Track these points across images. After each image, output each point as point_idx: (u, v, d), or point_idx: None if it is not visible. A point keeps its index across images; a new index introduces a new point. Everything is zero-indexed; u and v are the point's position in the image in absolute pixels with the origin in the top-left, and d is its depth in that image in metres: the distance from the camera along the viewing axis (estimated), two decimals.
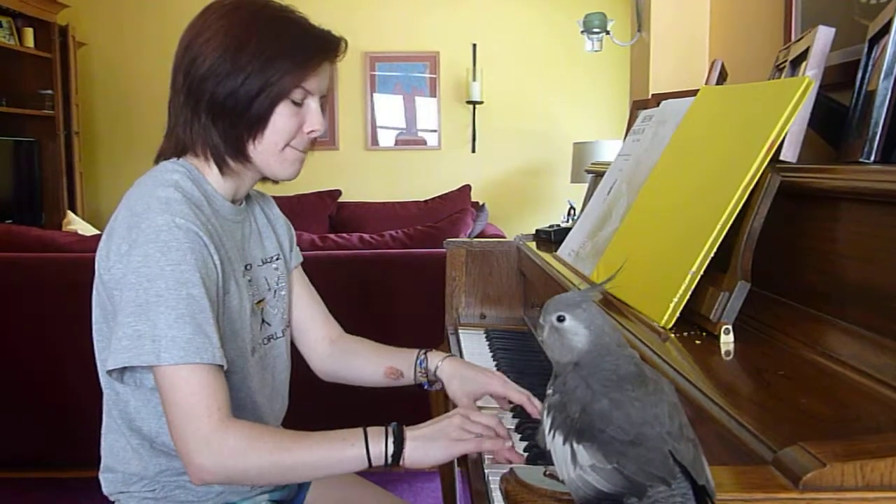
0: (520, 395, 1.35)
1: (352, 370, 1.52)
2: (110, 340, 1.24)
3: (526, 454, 1.20)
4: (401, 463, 1.12)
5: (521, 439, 1.30)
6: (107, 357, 1.25)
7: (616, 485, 0.57)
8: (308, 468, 1.15)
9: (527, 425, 1.34)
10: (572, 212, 5.10)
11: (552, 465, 0.66)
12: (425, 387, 1.48)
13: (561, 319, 0.67)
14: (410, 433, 1.14)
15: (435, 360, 1.46)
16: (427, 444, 1.13)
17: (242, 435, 1.11)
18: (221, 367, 1.15)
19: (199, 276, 1.15)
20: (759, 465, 0.67)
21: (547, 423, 0.64)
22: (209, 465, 1.10)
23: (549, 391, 0.66)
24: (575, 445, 0.60)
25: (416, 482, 2.96)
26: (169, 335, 1.11)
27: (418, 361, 1.47)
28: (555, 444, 0.62)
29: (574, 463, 0.59)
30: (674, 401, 0.63)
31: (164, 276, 1.12)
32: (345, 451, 1.12)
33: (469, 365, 1.47)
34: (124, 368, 1.18)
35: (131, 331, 1.12)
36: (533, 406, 1.34)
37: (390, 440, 1.12)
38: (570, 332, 0.67)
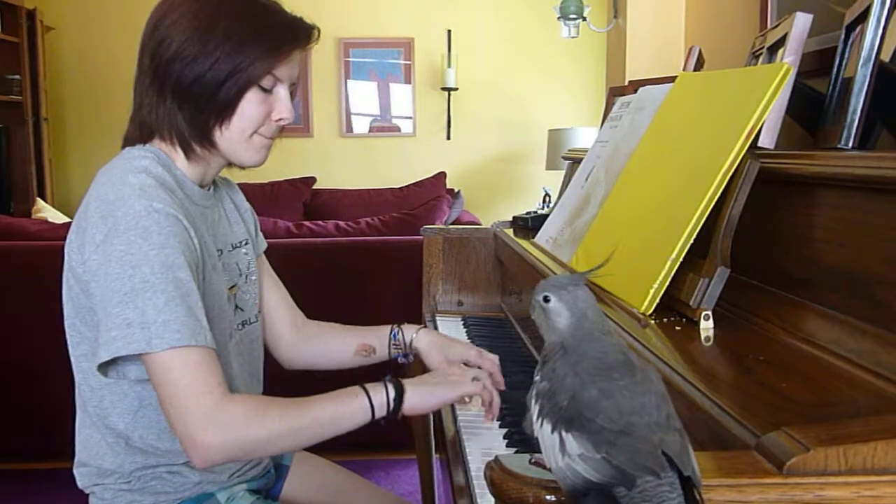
0: (491, 363, 1.40)
1: (321, 353, 1.52)
2: (84, 335, 1.23)
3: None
4: (402, 408, 1.16)
5: (501, 426, 1.30)
6: (83, 351, 1.24)
7: (605, 474, 0.57)
8: (317, 427, 1.14)
9: (505, 412, 1.34)
10: (548, 199, 5.10)
11: (538, 452, 0.66)
12: (399, 359, 1.49)
13: (546, 300, 0.68)
14: (410, 381, 1.18)
15: (409, 332, 1.48)
16: (428, 388, 1.18)
17: (248, 406, 1.12)
18: (214, 349, 1.13)
19: (183, 259, 1.13)
20: (742, 450, 0.68)
21: (535, 410, 0.63)
22: (217, 442, 1.08)
23: (537, 377, 0.66)
24: (563, 434, 0.60)
25: (393, 469, 2.96)
26: (160, 320, 1.08)
27: (392, 334, 1.48)
28: (543, 431, 0.62)
29: (562, 451, 0.59)
30: (661, 390, 0.63)
31: (149, 261, 1.10)
32: (350, 404, 1.15)
33: (445, 335, 1.51)
34: (112, 360, 1.16)
35: (120, 320, 1.09)
36: (499, 378, 1.38)
37: (390, 387, 1.16)
38: (554, 312, 0.67)
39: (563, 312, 0.66)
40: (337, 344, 1.51)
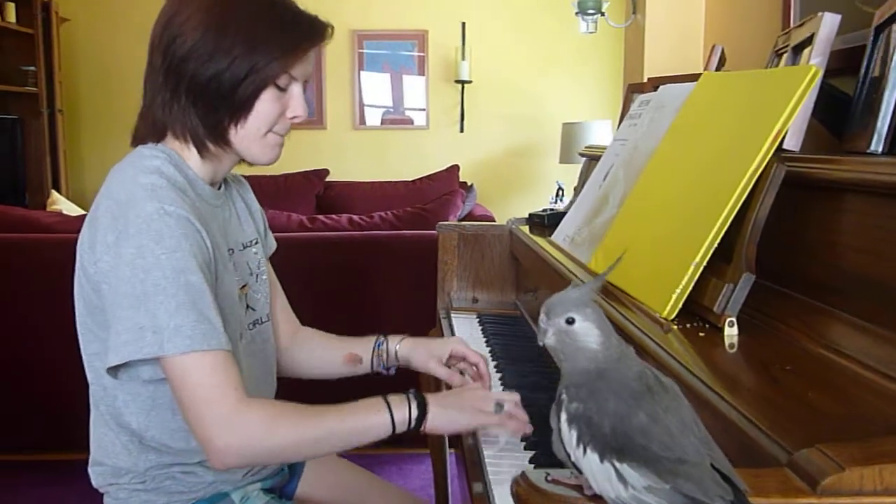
0: (475, 355, 1.40)
1: (310, 360, 1.51)
2: (96, 334, 1.22)
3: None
4: (422, 428, 1.14)
5: (526, 448, 1.27)
6: (95, 350, 1.23)
7: None
8: (335, 439, 1.15)
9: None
10: (561, 193, 5.08)
11: (559, 468, 0.65)
12: (382, 370, 1.48)
13: (570, 321, 0.64)
14: (433, 399, 1.16)
15: (393, 341, 1.47)
16: (450, 412, 1.16)
17: (265, 412, 1.11)
18: (229, 351, 1.13)
19: (195, 262, 1.12)
20: (773, 467, 0.66)
21: (572, 435, 0.61)
22: (235, 447, 1.09)
23: (564, 397, 0.64)
24: (617, 465, 0.58)
25: (405, 464, 2.96)
26: (171, 325, 1.08)
27: (377, 344, 1.47)
28: (588, 460, 0.60)
29: (622, 483, 0.57)
30: (688, 403, 0.61)
31: (161, 265, 1.09)
32: (370, 418, 1.14)
33: (426, 338, 1.51)
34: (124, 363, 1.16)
35: (131, 324, 1.09)
36: (486, 369, 1.39)
37: (413, 405, 1.14)
38: (582, 334, 0.64)
39: (592, 332, 0.63)
40: (326, 352, 1.50)
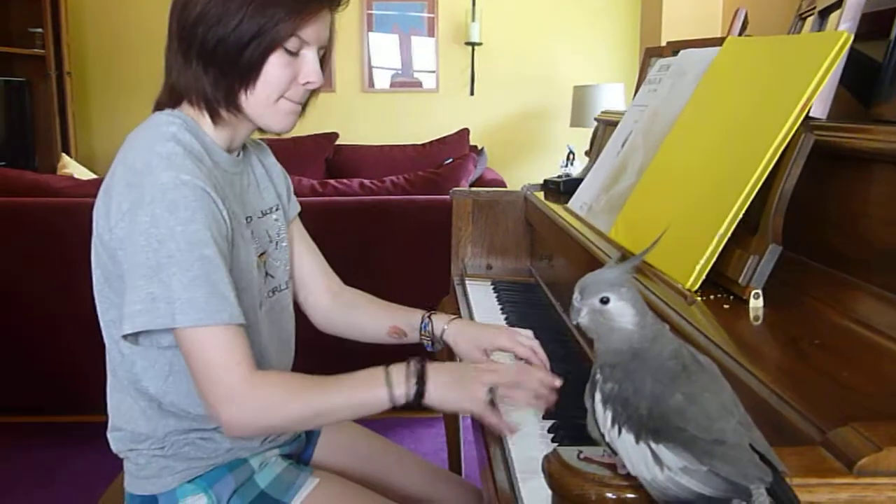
0: (525, 349, 1.34)
1: (355, 325, 1.51)
2: (113, 301, 1.22)
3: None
4: (422, 402, 1.15)
5: (549, 432, 1.26)
6: (112, 318, 1.24)
7: (717, 488, 0.54)
8: (337, 412, 1.17)
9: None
10: (572, 157, 5.04)
11: (576, 438, 0.64)
12: (428, 349, 1.48)
13: (605, 301, 0.63)
14: (434, 373, 1.15)
15: (440, 323, 1.44)
16: (446, 391, 1.15)
17: (268, 389, 1.13)
18: (241, 325, 1.13)
19: (210, 234, 1.12)
20: (803, 445, 0.65)
21: (607, 416, 0.61)
22: (237, 421, 1.11)
23: (599, 377, 0.63)
24: (653, 446, 0.57)
25: (417, 428, 2.98)
26: (184, 297, 1.08)
27: (422, 325, 1.45)
28: (623, 441, 0.59)
29: (658, 464, 0.56)
30: (727, 383, 0.60)
31: (175, 236, 1.09)
32: (369, 393, 1.15)
33: (474, 324, 1.48)
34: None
35: (145, 294, 1.09)
36: (538, 359, 1.32)
37: (412, 381, 1.14)
38: (617, 314, 0.63)
39: (626, 312, 0.62)
40: (371, 320, 1.50)
